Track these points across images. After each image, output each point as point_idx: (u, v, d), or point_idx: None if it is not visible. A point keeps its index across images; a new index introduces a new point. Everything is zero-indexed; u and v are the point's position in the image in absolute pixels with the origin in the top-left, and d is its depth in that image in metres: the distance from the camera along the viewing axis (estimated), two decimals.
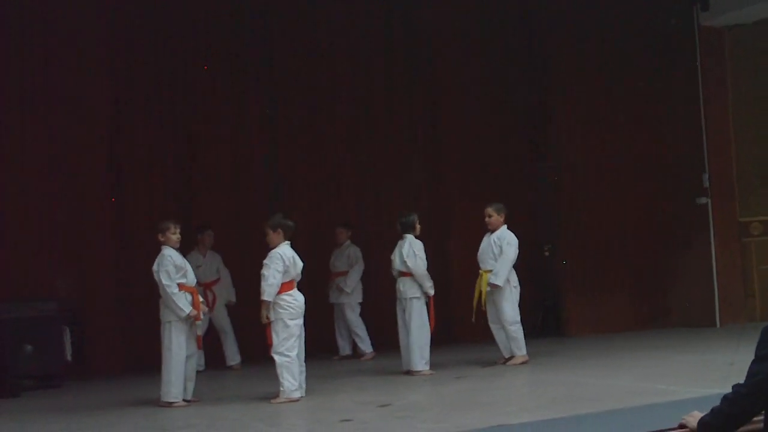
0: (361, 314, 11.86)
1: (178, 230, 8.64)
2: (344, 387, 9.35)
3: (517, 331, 10.14)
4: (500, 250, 10.14)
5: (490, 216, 10.31)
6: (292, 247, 8.58)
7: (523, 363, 10.07)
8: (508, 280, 10.13)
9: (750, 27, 13.11)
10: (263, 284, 8.35)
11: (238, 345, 11.41)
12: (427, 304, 9.96)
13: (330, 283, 11.95)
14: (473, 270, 10.58)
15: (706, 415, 3.90)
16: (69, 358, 10.24)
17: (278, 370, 8.29)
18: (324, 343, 11.60)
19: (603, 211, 13.38)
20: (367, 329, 11.80)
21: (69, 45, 11.53)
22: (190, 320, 8.51)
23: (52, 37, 11.47)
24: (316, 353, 10.25)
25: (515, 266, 10.22)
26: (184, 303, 8.44)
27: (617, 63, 13.45)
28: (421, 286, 9.89)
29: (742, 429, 3.87)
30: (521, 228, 10.63)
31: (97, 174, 11.66)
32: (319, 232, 12.32)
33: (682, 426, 4.10)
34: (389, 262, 10.18)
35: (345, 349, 11.94)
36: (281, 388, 8.28)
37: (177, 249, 8.65)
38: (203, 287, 10.76)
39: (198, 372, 8.94)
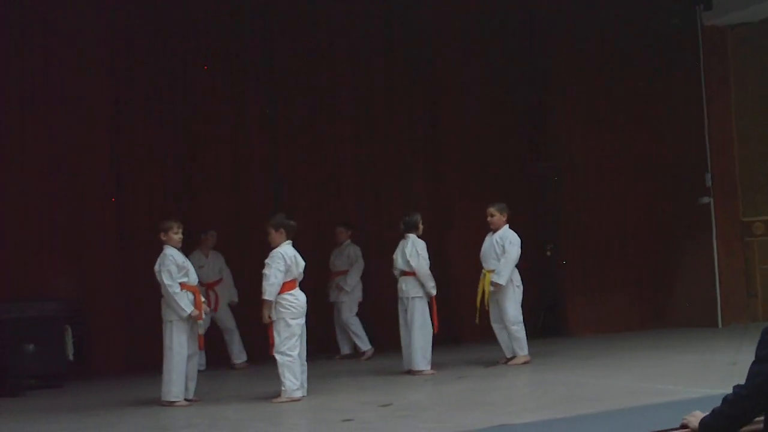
0: (361, 314, 11.87)
1: (180, 230, 8.66)
2: (346, 386, 9.35)
3: (519, 331, 10.14)
4: (503, 249, 10.14)
5: (492, 216, 10.30)
6: (294, 246, 8.58)
7: (524, 363, 10.07)
8: (511, 280, 10.14)
9: (753, 26, 13.10)
10: (265, 284, 8.34)
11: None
12: (429, 305, 9.97)
13: (330, 283, 11.95)
14: (473, 270, 10.58)
15: (707, 416, 3.92)
16: (71, 357, 10.24)
17: (280, 370, 8.29)
18: (325, 343, 11.60)
19: (603, 211, 13.38)
20: (368, 329, 11.80)
21: (69, 45, 11.53)
22: (191, 320, 8.51)
23: (52, 37, 11.47)
24: (318, 353, 10.24)
25: (517, 266, 10.23)
26: (185, 303, 8.44)
27: (617, 63, 13.45)
28: (423, 286, 9.90)
29: (742, 430, 3.88)
30: (521, 228, 10.62)
31: (97, 174, 11.65)
32: (320, 231, 12.31)
33: (683, 426, 4.11)
34: (389, 262, 10.18)
35: (346, 348, 11.94)
36: (283, 388, 8.27)
37: (179, 249, 8.66)
38: (206, 287, 10.77)
39: (199, 371, 8.92)
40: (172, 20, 12.20)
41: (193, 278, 8.67)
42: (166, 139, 12.18)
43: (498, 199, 10.66)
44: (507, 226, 10.32)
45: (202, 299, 8.81)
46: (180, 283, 8.45)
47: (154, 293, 8.90)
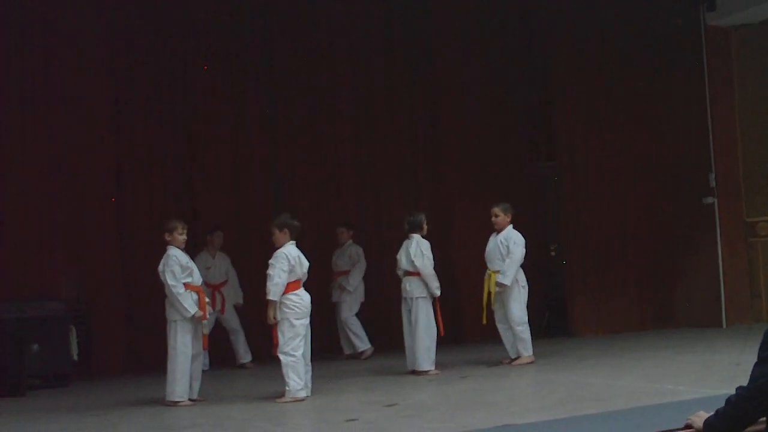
0: (364, 314, 11.86)
1: (185, 231, 8.66)
2: (350, 386, 9.33)
3: (524, 331, 10.13)
4: (507, 250, 10.12)
5: (496, 216, 10.28)
6: (297, 246, 8.56)
7: (528, 363, 10.07)
8: (516, 280, 10.12)
9: (756, 27, 13.11)
10: (269, 284, 8.32)
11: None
12: (433, 306, 9.95)
13: (332, 283, 11.94)
14: (474, 270, 10.58)
15: (711, 417, 3.94)
16: (75, 357, 10.22)
17: (284, 370, 8.28)
18: (329, 343, 11.59)
19: (603, 211, 13.37)
20: (370, 329, 11.80)
21: (69, 45, 11.49)
22: (195, 320, 8.48)
23: (52, 37, 11.43)
24: (322, 353, 10.23)
25: (522, 266, 10.22)
26: (189, 303, 8.43)
27: (617, 63, 13.45)
28: (427, 286, 9.88)
29: (747, 430, 3.89)
30: (522, 228, 10.61)
31: (98, 174, 11.62)
32: (320, 232, 12.30)
33: (687, 426, 4.13)
34: (389, 262, 10.18)
35: (349, 348, 11.92)
36: (287, 388, 8.26)
37: (182, 249, 8.64)
38: (212, 289, 10.70)
39: (203, 371, 8.91)
40: (172, 20, 12.18)
41: (197, 278, 8.65)
42: (166, 139, 12.17)
43: (498, 199, 10.64)
44: (511, 226, 10.30)
45: (207, 300, 8.78)
46: (184, 283, 8.44)
47: (155, 293, 8.89)
